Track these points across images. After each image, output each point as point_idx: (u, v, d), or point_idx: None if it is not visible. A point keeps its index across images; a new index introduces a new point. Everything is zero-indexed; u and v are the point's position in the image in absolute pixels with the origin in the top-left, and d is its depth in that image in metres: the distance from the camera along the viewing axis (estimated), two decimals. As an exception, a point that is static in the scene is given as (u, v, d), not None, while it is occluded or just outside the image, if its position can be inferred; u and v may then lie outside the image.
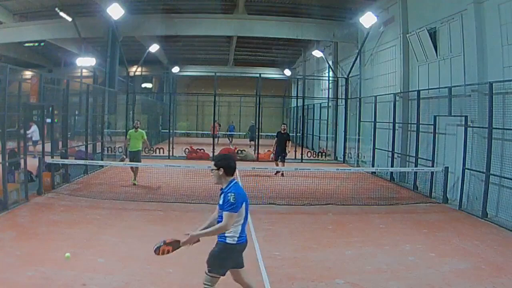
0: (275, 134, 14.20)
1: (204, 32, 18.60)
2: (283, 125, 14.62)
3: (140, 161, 11.60)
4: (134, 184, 11.10)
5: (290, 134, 28.65)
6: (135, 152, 11.61)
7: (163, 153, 17.80)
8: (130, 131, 12.15)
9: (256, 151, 18.08)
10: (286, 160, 13.58)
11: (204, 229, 3.78)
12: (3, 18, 18.44)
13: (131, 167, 11.36)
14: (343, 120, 18.36)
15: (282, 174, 12.87)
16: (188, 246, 3.71)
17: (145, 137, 11.93)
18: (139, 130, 11.74)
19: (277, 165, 13.16)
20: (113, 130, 18.05)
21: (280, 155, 13.37)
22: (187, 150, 18.02)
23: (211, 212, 8.39)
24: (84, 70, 23.52)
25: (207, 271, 3.70)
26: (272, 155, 14.33)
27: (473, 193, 8.98)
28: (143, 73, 28.20)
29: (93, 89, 14.76)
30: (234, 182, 3.77)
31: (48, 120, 11.18)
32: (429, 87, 11.34)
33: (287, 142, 13.57)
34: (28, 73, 21.79)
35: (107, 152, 15.42)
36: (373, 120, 14.40)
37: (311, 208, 9.00)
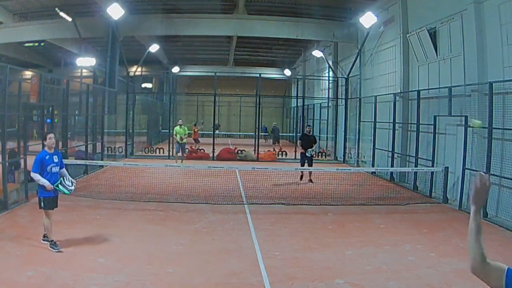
0: (300, 136, 12.84)
1: (204, 32, 18.59)
2: (308, 126, 13.08)
3: (185, 151, 16.32)
4: (182, 162, 15.09)
5: (291, 134, 28.87)
6: (181, 143, 15.72)
7: (163, 153, 17.82)
8: (176, 127, 15.85)
9: (256, 151, 18.06)
10: (284, 160, 13.45)
11: None
12: (3, 18, 18.43)
13: (201, 153, 17.20)
14: (343, 120, 18.35)
15: (311, 181, 11.90)
16: None
17: (186, 131, 16.30)
18: (182, 126, 15.91)
19: (302, 174, 11.99)
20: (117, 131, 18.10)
21: (306, 159, 11.98)
22: (187, 150, 18.01)
23: (211, 212, 8.39)
24: (84, 70, 23.50)
25: None
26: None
27: (473, 193, 8.96)
28: (143, 73, 28.17)
29: (93, 89, 14.76)
30: None
31: (48, 120, 11.18)
32: (429, 87, 11.34)
33: (313, 145, 12.25)
34: (28, 73, 21.83)
35: (107, 152, 15.42)
36: (373, 120, 14.40)
37: (311, 208, 9.00)
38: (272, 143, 22.34)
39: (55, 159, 6.01)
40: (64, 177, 6.09)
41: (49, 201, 5.87)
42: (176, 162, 15.20)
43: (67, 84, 11.96)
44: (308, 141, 12.17)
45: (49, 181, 5.80)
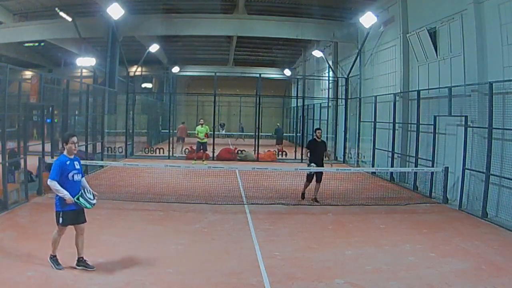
0: (308, 142, 10.14)
1: (204, 32, 18.60)
2: (318, 130, 9.84)
3: (207, 149, 16.11)
4: (203, 162, 15.36)
5: (290, 135, 28.86)
6: (203, 142, 15.71)
7: (163, 153, 17.82)
8: (197, 127, 15.87)
9: (256, 151, 18.06)
10: (284, 160, 13.16)
11: None
12: (3, 18, 18.44)
13: (200, 153, 15.85)
14: (343, 120, 18.35)
15: (316, 200, 9.48)
16: None
17: (209, 131, 16.06)
18: (204, 126, 15.74)
19: (306, 186, 9.62)
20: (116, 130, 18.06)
21: (317, 171, 9.48)
22: (187, 150, 18.01)
23: (211, 212, 8.42)
24: (84, 70, 23.53)
25: None
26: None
27: (473, 193, 8.98)
28: (143, 73, 28.20)
29: (93, 89, 14.75)
30: None
31: (48, 120, 11.18)
32: (429, 87, 11.34)
33: (325, 152, 9.80)
34: (28, 73, 21.83)
35: (107, 152, 15.42)
36: (373, 120, 14.39)
37: (311, 208, 9.01)
38: (276, 143, 22.37)
39: (77, 165, 5.15)
40: (85, 189, 5.22)
41: (70, 216, 5.03)
42: (193, 163, 14.98)
43: (67, 84, 11.97)
44: (320, 149, 9.57)
45: (70, 192, 4.94)
